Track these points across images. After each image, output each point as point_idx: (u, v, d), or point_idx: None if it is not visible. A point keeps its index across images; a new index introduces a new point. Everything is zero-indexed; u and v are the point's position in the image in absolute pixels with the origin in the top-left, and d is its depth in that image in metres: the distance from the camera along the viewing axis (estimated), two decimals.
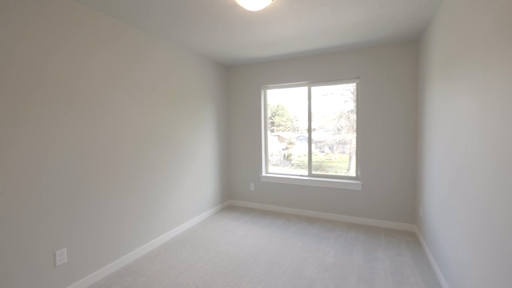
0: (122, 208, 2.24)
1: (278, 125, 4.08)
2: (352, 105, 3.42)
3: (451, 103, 1.75)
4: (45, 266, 1.70)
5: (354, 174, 3.37)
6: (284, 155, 4.12)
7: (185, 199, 3.05)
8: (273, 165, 4.04)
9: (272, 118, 4.07)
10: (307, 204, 3.50)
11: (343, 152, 3.64)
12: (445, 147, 1.87)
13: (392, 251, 2.47)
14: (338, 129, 3.59)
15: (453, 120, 1.70)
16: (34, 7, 1.62)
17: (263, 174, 3.82)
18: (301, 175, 3.62)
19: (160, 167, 2.67)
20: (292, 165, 4.01)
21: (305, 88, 3.54)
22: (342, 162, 3.65)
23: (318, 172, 3.56)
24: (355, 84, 3.30)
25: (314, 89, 3.51)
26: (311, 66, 3.38)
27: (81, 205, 1.91)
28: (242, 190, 3.96)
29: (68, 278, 1.83)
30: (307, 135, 3.58)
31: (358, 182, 3.21)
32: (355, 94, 3.34)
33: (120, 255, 2.23)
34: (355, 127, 3.33)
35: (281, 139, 4.14)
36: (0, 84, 1.47)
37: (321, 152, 3.77)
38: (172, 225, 2.85)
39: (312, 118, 3.55)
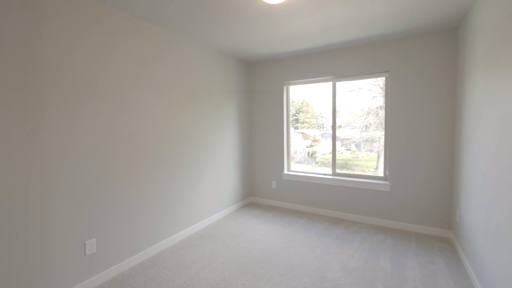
0: (144, 203, 2.32)
1: (303, 122, 3.97)
2: (381, 101, 3.21)
3: (499, 98, 1.54)
4: (76, 254, 1.82)
5: (382, 174, 3.17)
6: (309, 152, 4.01)
7: (207, 195, 3.10)
8: (297, 162, 3.95)
9: (297, 115, 3.98)
10: (330, 204, 3.37)
11: (371, 150, 3.44)
12: (490, 149, 1.66)
13: (424, 258, 2.29)
14: (366, 126, 3.40)
15: (502, 118, 1.49)
16: (55, 6, 1.71)
17: (285, 172, 3.75)
18: (325, 174, 3.49)
19: (182, 162, 2.73)
20: (317, 163, 3.89)
21: (330, 84, 3.39)
22: (370, 161, 3.46)
23: (344, 171, 3.41)
24: (384, 78, 3.09)
25: (340, 84, 3.35)
26: (336, 61, 3.23)
27: (106, 198, 2.01)
28: (264, 188, 3.93)
29: (97, 267, 1.95)
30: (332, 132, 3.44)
31: (386, 182, 3.01)
32: (384, 89, 3.13)
33: (143, 247, 2.32)
34: (384, 124, 3.13)
35: (305, 136, 4.03)
36: (28, 82, 1.58)
37: (347, 150, 3.61)
38: (194, 220, 2.90)
39: (338, 114, 3.40)
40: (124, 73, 2.13)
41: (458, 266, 2.15)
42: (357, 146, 3.55)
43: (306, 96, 3.92)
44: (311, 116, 3.95)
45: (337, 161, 3.43)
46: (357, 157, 3.53)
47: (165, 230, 2.54)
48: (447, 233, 2.70)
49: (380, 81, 3.20)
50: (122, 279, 2.02)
